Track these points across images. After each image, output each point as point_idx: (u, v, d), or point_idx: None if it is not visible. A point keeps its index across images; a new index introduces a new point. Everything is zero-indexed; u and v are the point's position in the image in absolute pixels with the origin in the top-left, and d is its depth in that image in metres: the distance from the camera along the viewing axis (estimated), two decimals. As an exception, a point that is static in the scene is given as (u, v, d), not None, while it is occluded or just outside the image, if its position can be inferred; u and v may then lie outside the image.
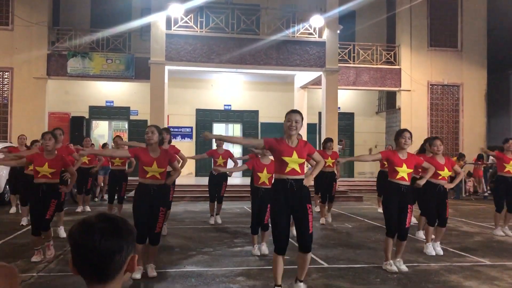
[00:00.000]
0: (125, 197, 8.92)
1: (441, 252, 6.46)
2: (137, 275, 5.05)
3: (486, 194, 15.48)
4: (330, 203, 9.29)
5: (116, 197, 8.82)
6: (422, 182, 5.90)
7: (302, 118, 4.40)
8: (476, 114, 18.25)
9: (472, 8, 18.31)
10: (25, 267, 5.50)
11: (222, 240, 7.43)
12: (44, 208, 5.76)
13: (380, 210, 10.86)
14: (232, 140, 5.70)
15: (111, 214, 1.36)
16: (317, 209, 9.90)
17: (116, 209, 8.77)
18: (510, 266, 5.86)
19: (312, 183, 4.42)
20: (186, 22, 14.59)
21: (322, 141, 14.52)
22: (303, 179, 4.31)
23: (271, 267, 5.62)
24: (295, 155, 4.26)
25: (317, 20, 14.79)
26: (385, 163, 5.99)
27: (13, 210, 9.89)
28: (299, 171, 4.29)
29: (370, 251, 6.69)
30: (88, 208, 10.51)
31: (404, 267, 5.51)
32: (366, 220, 9.83)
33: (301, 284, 4.45)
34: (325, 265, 5.77)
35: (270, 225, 4.97)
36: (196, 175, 17.69)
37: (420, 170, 6.77)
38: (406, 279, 5.22)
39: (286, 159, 4.24)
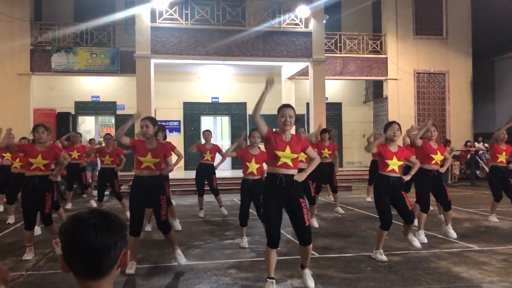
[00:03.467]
0: (120, 192, 8.86)
1: (422, 240, 6.44)
2: (131, 271, 5.03)
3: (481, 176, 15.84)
4: (334, 194, 9.32)
5: (106, 194, 8.80)
6: (407, 178, 5.76)
7: (295, 113, 4.36)
8: (462, 101, 18.40)
9: (456, -4, 18.41)
10: (13, 265, 5.44)
11: (213, 233, 7.42)
12: (37, 203, 5.74)
13: (369, 199, 10.99)
14: (257, 110, 4.23)
15: (103, 210, 1.34)
16: (331, 198, 9.96)
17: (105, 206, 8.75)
18: (499, 251, 5.94)
19: (303, 179, 4.35)
20: (171, 14, 14.45)
21: (310, 132, 14.57)
22: (294, 175, 4.28)
23: (262, 259, 5.63)
24: (288, 150, 4.23)
25: (303, 11, 14.74)
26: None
27: (0, 208, 9.76)
28: (292, 165, 4.26)
29: (361, 240, 6.73)
30: (94, 204, 10.23)
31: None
32: (356, 209, 9.89)
33: (306, 270, 4.53)
34: (316, 255, 5.79)
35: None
36: (185, 169, 17.62)
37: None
38: (396, 266, 5.27)
39: (279, 153, 4.22)
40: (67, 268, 1.28)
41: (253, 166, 6.15)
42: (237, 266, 5.36)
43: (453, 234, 6.58)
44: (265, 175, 4.59)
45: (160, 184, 5.26)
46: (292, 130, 4.84)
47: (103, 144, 10.19)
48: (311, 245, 4.35)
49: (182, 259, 5.35)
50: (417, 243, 5.75)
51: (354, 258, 5.69)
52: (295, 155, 4.27)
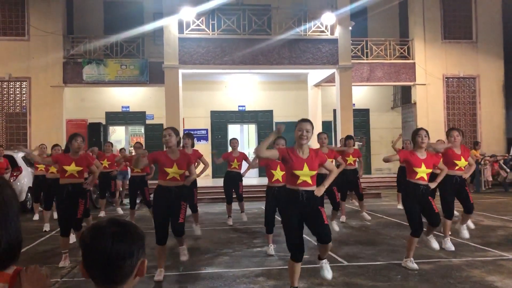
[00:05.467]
0: (150, 200, 9.04)
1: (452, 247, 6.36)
2: (159, 277, 5.12)
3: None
4: (360, 201, 9.14)
5: (137, 202, 9.04)
6: (433, 185, 5.72)
7: (313, 127, 4.36)
8: (493, 105, 17.97)
9: (486, -2, 18.06)
10: (49, 273, 5.60)
11: (241, 240, 7.47)
12: (71, 209, 5.91)
13: (400, 206, 10.81)
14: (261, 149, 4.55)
15: (122, 219, 1.39)
16: (355, 202, 9.82)
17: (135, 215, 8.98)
18: (534, 260, 5.77)
19: (322, 193, 4.35)
20: (198, 25, 14.68)
21: (338, 139, 14.52)
22: (314, 190, 4.26)
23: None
24: (306, 168, 4.20)
25: (328, 18, 14.73)
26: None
27: (36, 217, 10.07)
28: (311, 183, 4.24)
29: (390, 248, 6.65)
30: (121, 211, 10.54)
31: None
32: (385, 216, 9.77)
33: (324, 261, 4.52)
34: (345, 263, 5.76)
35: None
36: (213, 177, 17.76)
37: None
38: (427, 275, 5.18)
39: (297, 172, 4.20)
40: (87, 275, 1.33)
41: (278, 174, 6.20)
42: (266, 274, 5.38)
43: (465, 234, 6.48)
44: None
45: (184, 195, 5.30)
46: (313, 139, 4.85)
47: (133, 153, 10.41)
48: (330, 243, 4.31)
49: (184, 256, 5.46)
50: (435, 245, 5.67)
51: (383, 266, 5.63)
52: (313, 172, 4.24)
